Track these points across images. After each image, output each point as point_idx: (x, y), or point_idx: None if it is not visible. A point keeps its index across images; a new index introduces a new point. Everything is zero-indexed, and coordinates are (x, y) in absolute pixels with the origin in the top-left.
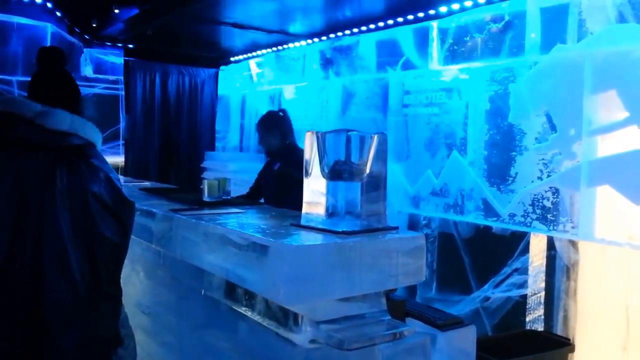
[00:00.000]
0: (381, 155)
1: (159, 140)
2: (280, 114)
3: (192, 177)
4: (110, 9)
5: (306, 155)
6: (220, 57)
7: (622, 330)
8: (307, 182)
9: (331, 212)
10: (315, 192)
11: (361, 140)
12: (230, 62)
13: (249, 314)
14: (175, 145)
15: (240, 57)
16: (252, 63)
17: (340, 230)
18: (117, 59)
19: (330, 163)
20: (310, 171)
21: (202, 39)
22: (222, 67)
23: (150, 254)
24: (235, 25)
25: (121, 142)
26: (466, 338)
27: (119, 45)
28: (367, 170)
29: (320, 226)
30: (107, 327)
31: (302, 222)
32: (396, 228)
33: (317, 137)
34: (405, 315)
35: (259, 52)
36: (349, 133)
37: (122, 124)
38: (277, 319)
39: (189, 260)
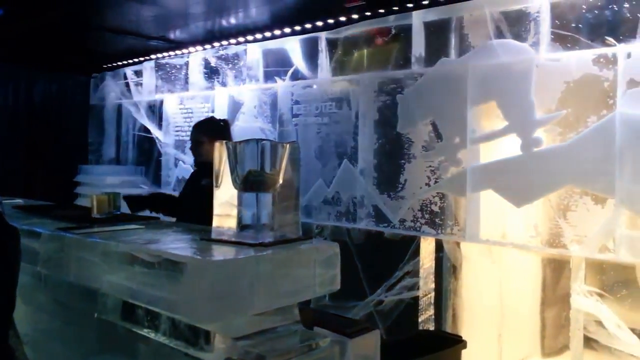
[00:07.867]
0: (293, 164)
1: (24, 153)
2: (222, 123)
3: (62, 193)
4: None
5: (215, 166)
6: (92, 63)
7: (498, 320)
8: (217, 194)
9: (243, 225)
10: (226, 204)
11: (274, 149)
12: (103, 69)
13: (152, 335)
14: (41, 159)
15: (116, 64)
16: (129, 71)
17: (257, 242)
18: None
19: (243, 174)
20: (220, 182)
21: (73, 44)
22: (94, 75)
23: (28, 277)
24: (110, 29)
25: None
26: (371, 343)
27: None
28: (280, 180)
29: (233, 239)
30: None
31: (214, 236)
32: (310, 238)
33: (228, 148)
34: (313, 324)
35: (135, 60)
36: (262, 142)
37: None
38: (186, 338)
39: (84, 282)
